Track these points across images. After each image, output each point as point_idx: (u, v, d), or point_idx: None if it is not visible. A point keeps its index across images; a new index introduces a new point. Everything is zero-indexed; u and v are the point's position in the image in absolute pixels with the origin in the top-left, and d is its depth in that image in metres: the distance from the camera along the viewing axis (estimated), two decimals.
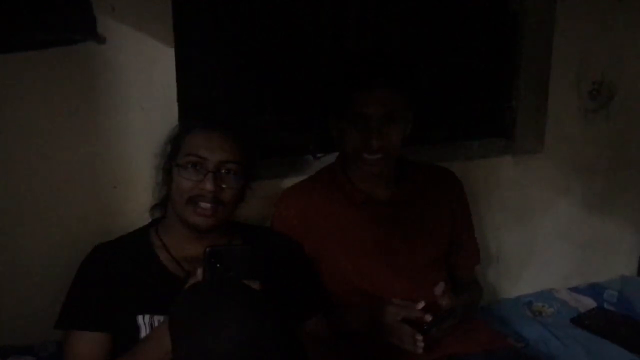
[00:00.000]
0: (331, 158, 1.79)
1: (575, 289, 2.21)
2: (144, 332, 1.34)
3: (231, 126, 1.44)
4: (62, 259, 1.50)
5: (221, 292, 1.13)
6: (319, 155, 1.92)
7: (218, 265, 1.21)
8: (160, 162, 1.47)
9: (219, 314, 1.05)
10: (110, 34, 1.45)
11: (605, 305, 2.14)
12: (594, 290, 2.21)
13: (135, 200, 1.56)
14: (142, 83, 1.52)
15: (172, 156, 1.43)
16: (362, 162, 1.57)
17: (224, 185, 1.38)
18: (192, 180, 1.37)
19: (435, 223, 1.70)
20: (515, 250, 2.16)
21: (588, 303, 2.14)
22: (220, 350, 1.02)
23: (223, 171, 1.38)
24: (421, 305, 1.46)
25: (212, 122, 1.43)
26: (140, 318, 1.34)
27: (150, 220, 1.52)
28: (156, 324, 1.34)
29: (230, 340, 1.02)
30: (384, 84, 1.54)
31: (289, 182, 1.75)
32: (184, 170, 1.38)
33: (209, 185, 1.36)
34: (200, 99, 1.75)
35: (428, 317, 1.45)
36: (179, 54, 1.54)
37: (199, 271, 1.23)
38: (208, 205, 1.37)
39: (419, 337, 1.43)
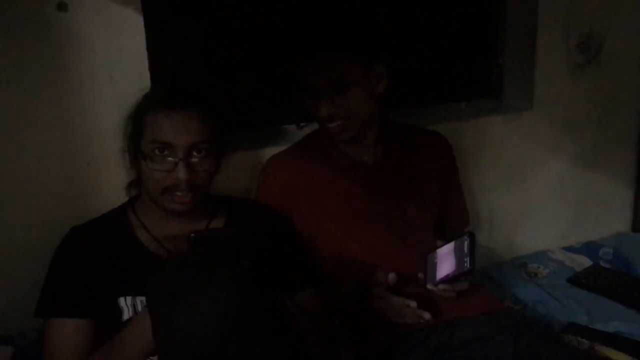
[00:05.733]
0: (315, 126, 1.72)
1: (570, 249, 2.20)
2: (126, 315, 1.29)
3: (194, 101, 1.31)
4: (37, 243, 1.44)
5: (200, 265, 1.05)
6: (302, 124, 1.84)
7: None
8: (124, 143, 1.37)
9: (196, 289, 0.98)
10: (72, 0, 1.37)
11: (601, 263, 2.12)
12: (589, 248, 2.20)
13: (111, 177, 1.49)
14: (110, 52, 1.45)
15: (134, 138, 1.32)
16: (327, 130, 1.52)
17: (197, 169, 1.30)
18: (163, 171, 1.28)
19: (426, 186, 1.65)
20: (508, 212, 2.13)
21: (584, 262, 2.12)
22: (197, 329, 0.95)
23: (194, 154, 1.29)
24: (393, 278, 1.42)
25: (173, 99, 1.30)
26: (122, 300, 1.30)
27: (127, 198, 1.45)
28: (139, 305, 1.29)
29: (209, 316, 0.95)
30: (326, 50, 1.43)
31: (271, 152, 1.68)
32: (151, 161, 1.28)
33: (182, 175, 1.27)
34: (173, 69, 1.67)
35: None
36: (148, 21, 1.46)
37: None
38: (185, 193, 1.30)
39: (426, 315, 1.40)
